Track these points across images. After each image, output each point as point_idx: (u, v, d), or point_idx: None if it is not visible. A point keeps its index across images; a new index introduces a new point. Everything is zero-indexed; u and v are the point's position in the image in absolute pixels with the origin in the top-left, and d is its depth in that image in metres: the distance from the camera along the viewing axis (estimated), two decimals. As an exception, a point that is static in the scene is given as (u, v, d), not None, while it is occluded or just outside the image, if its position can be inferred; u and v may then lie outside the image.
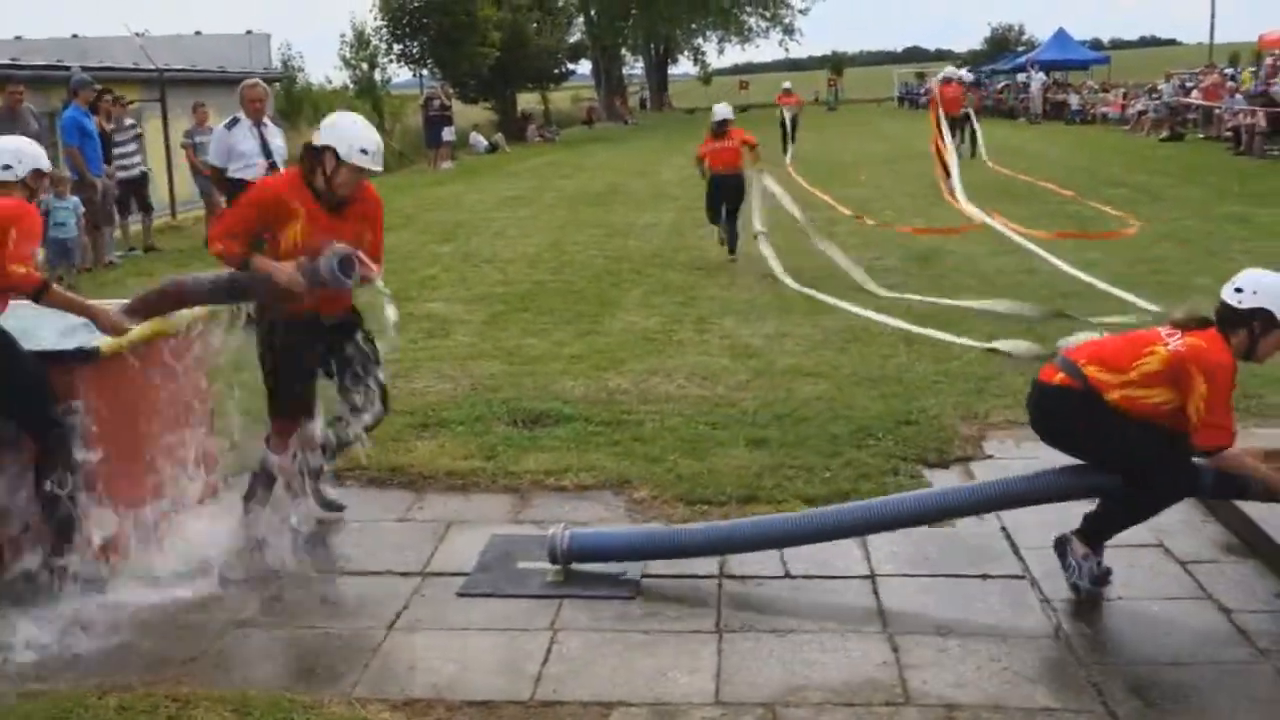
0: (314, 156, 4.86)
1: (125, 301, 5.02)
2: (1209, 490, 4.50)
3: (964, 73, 33.41)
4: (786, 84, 30.26)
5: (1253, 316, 4.22)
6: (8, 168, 4.79)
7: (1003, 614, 4.44)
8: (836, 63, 79.80)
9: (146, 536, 4.95)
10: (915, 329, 8.75)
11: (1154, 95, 32.85)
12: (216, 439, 5.64)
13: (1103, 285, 9.99)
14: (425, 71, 41.11)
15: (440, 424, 6.73)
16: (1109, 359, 4.36)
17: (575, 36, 57.38)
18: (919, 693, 3.87)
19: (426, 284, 11.53)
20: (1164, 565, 4.82)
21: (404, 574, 4.90)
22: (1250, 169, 20.51)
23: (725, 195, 12.28)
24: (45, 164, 4.95)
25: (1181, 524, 5.12)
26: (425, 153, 29.99)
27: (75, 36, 27.49)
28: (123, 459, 4.84)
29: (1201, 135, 28.48)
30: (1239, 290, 4.26)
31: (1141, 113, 32.29)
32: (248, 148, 9.70)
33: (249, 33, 29.49)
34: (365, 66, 35.48)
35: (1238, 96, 25.62)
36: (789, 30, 67.20)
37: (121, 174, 14.13)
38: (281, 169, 9.91)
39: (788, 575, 4.79)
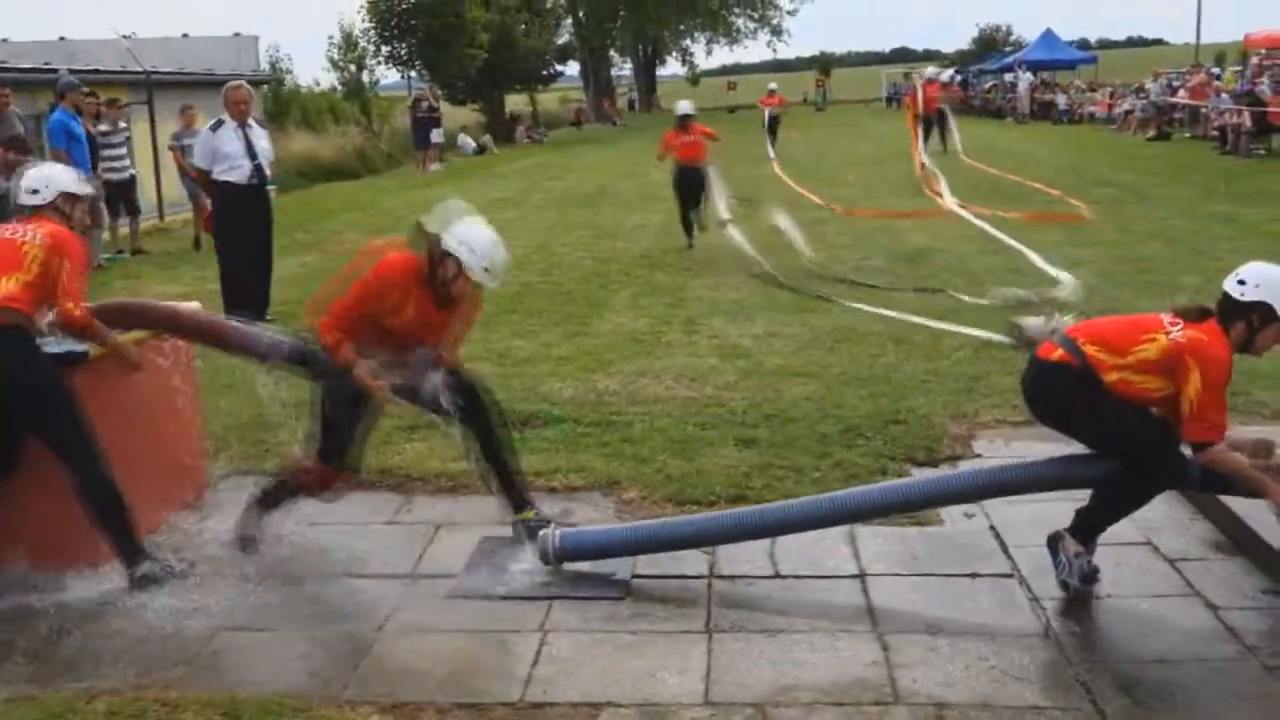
0: (438, 257, 4.81)
1: (197, 305, 5.03)
2: (1197, 482, 4.50)
3: (945, 74, 33.82)
4: (772, 85, 30.36)
5: (1252, 309, 4.21)
6: (35, 192, 4.80)
7: (992, 612, 4.45)
8: (824, 63, 79.94)
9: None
10: (914, 319, 8.84)
11: (1141, 95, 32.95)
12: (205, 442, 5.62)
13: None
14: (413, 73, 41.14)
15: (429, 426, 6.68)
16: (1109, 340, 4.33)
17: (563, 38, 57.50)
18: (908, 692, 3.88)
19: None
20: (1152, 563, 4.83)
21: (393, 576, 4.89)
22: (1236, 168, 20.57)
23: (688, 183, 13.44)
24: (77, 187, 4.90)
25: (1170, 522, 5.15)
26: (413, 154, 30.01)
27: (62, 39, 27.33)
28: (113, 461, 4.81)
29: (1188, 134, 28.55)
30: (1242, 282, 4.24)
31: (1128, 112, 32.37)
32: (233, 150, 9.66)
33: (237, 35, 29.41)
34: (353, 68, 35.50)
35: (1224, 96, 25.70)
36: (777, 31, 67.37)
37: (110, 176, 14.07)
38: (267, 171, 9.92)
39: (777, 575, 4.79)
